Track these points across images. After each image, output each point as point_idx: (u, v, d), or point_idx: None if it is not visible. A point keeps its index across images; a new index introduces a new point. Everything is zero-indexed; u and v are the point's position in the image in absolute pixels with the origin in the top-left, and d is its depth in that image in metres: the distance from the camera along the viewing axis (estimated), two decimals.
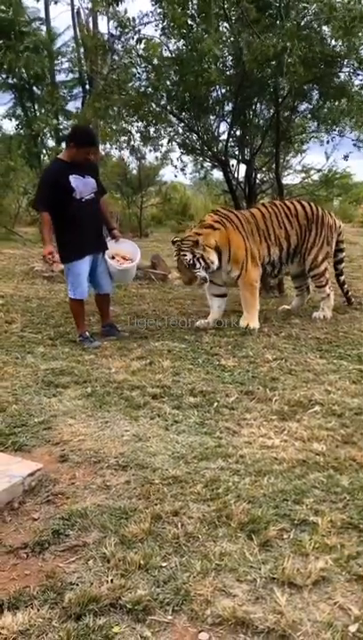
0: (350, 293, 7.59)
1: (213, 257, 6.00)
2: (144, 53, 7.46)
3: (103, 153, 13.63)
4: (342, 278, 7.51)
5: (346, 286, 7.58)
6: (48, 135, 14.86)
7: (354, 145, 8.33)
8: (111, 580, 2.19)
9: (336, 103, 7.95)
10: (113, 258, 5.91)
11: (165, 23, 7.41)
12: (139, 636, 1.94)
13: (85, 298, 5.75)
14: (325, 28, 6.69)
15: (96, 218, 5.68)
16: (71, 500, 2.79)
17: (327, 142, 8.82)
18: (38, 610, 2.04)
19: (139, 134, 8.59)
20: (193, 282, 6.16)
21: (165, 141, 8.78)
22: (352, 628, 1.97)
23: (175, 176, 10.40)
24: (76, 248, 5.48)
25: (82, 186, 5.45)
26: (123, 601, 2.08)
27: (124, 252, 6.06)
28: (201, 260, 5.94)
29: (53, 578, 2.21)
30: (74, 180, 5.40)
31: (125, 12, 7.34)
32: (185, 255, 5.95)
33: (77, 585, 2.17)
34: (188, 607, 2.07)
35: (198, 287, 6.57)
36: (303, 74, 6.85)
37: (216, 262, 6.04)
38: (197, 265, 5.95)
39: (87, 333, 5.72)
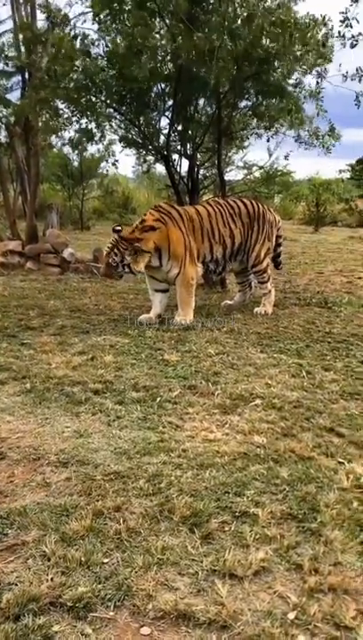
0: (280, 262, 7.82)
1: (141, 266, 6.10)
2: (81, 46, 7.37)
3: (43, 144, 13.29)
4: (280, 268, 7.74)
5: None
6: None
7: (295, 141, 8.51)
8: (51, 579, 2.15)
9: (273, 101, 8.09)
10: None
11: (101, 17, 7.34)
12: (80, 634, 1.92)
13: None
14: (253, 27, 6.74)
15: None
16: (10, 499, 2.72)
17: (267, 140, 8.96)
18: None
19: (78, 130, 8.48)
20: (108, 277, 6.64)
21: (100, 135, 8.69)
22: (291, 616, 2.02)
23: (113, 164, 10.28)
24: None
25: None
26: (63, 599, 2.05)
27: None
28: (126, 267, 6.10)
29: None
30: None
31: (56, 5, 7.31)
32: (115, 255, 6.07)
33: (16, 585, 2.13)
34: (130, 602, 2.06)
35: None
36: (235, 71, 6.92)
37: (143, 269, 6.15)
38: (119, 269, 6.15)
39: None
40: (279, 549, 2.37)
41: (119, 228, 6.21)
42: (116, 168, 10.31)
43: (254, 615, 2.02)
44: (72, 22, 7.34)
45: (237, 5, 6.85)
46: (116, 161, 9.36)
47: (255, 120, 8.77)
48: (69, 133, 9.05)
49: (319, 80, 7.20)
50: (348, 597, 2.12)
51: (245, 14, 6.58)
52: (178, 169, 9.03)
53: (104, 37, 7.61)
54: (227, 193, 8.73)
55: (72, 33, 7.39)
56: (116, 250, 6.03)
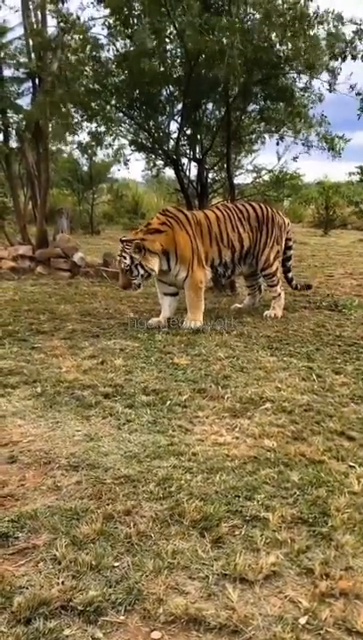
0: (294, 281, 7.83)
1: (153, 264, 6.00)
2: (90, 52, 7.43)
3: (54, 149, 13.35)
4: (291, 275, 7.69)
5: (294, 282, 7.81)
6: None
7: (303, 145, 8.55)
8: (62, 582, 2.16)
9: (280, 104, 8.11)
10: None
11: (111, 21, 7.40)
12: (90, 638, 1.92)
13: None
14: (267, 29, 6.76)
15: None
16: (21, 502, 2.73)
17: (277, 144, 8.97)
18: None
19: (88, 134, 8.55)
20: (128, 287, 6.19)
21: (111, 139, 8.77)
22: (302, 621, 2.01)
23: (125, 163, 10.31)
24: None
25: None
26: (74, 603, 2.05)
27: None
28: (139, 268, 5.96)
29: (2, 582, 2.16)
30: None
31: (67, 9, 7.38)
32: (125, 259, 5.98)
33: (27, 588, 2.13)
34: (140, 606, 2.06)
35: (133, 290, 6.40)
36: (246, 75, 6.93)
37: (156, 268, 6.05)
38: (135, 272, 5.98)
39: None
40: (290, 554, 2.36)
41: (126, 237, 6.26)
42: (128, 168, 10.27)
43: (264, 620, 2.01)
44: (83, 26, 7.38)
45: (249, 6, 6.89)
46: (128, 160, 9.36)
47: (264, 124, 8.80)
48: (79, 137, 9.10)
49: (331, 85, 7.21)
50: (359, 602, 2.11)
51: (259, 14, 6.60)
52: (187, 173, 9.05)
53: (114, 42, 7.66)
54: (236, 197, 8.73)
55: (82, 37, 7.45)
56: (123, 254, 6.01)
